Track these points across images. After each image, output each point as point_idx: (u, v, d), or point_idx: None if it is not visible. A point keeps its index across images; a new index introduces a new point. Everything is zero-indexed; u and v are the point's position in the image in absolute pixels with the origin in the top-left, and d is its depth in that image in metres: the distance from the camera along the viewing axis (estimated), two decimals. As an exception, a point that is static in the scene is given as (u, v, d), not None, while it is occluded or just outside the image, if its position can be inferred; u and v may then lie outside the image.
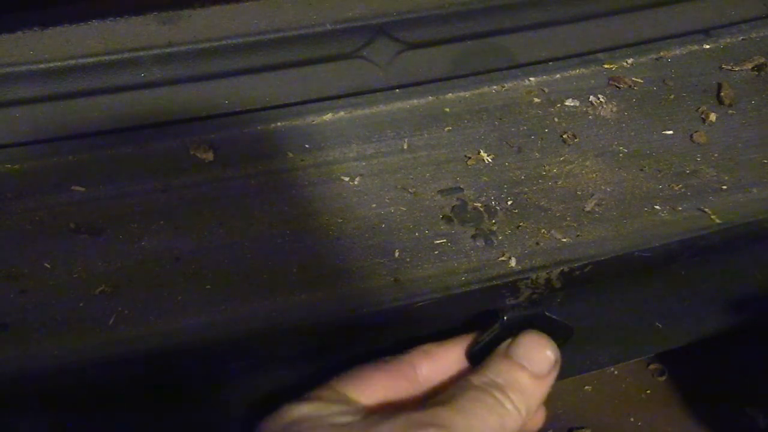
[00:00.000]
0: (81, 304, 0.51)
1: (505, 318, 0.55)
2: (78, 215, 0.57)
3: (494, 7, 0.67)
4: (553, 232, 0.57)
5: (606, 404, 1.12)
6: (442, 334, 0.56)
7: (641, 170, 0.62)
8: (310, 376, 0.55)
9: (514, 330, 0.54)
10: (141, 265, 0.54)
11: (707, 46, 0.74)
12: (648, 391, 1.13)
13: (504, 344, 0.53)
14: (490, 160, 0.62)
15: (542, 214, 0.58)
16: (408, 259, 0.55)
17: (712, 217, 0.58)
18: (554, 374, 0.53)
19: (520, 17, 0.68)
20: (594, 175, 0.61)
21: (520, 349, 0.52)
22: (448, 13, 0.66)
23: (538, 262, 0.55)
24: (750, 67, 0.72)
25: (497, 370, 0.51)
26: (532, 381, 0.51)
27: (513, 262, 0.55)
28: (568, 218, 0.58)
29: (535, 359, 0.52)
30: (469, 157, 0.62)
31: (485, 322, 0.57)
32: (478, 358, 0.54)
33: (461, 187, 0.60)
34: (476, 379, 0.50)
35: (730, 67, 0.72)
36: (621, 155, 0.63)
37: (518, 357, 0.52)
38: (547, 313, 0.56)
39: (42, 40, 0.60)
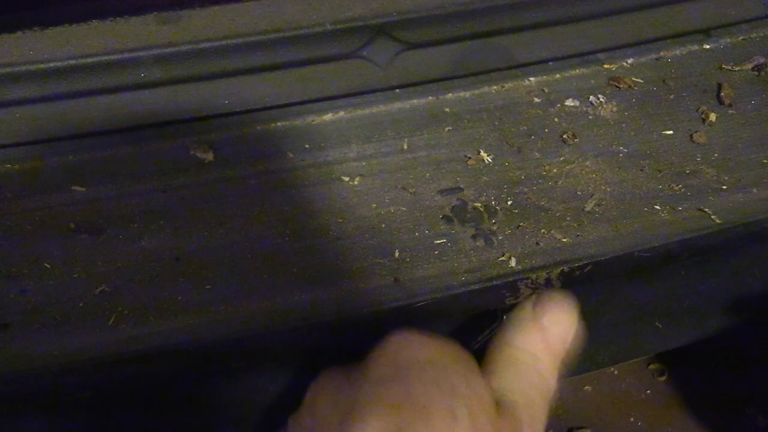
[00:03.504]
0: (81, 304, 0.51)
1: (505, 317, 0.55)
2: (78, 215, 0.57)
3: (494, 7, 0.67)
4: (553, 232, 0.57)
5: (606, 404, 1.12)
6: (441, 334, 0.56)
7: (641, 170, 0.62)
8: (310, 376, 0.54)
9: None
10: (141, 265, 0.54)
11: (707, 46, 0.74)
12: (648, 391, 1.13)
13: (529, 306, 0.53)
14: (490, 160, 0.62)
15: (542, 214, 0.58)
16: (408, 259, 0.55)
17: (712, 217, 0.58)
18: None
19: (520, 17, 0.68)
20: (594, 175, 0.61)
21: (547, 317, 0.53)
22: (448, 13, 0.66)
23: (538, 262, 0.55)
24: (750, 67, 0.72)
25: (534, 347, 0.52)
26: (562, 345, 0.53)
27: (513, 262, 0.55)
28: (568, 218, 0.58)
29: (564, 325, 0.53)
30: (469, 157, 0.62)
31: (485, 322, 0.57)
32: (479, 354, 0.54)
33: (461, 187, 0.60)
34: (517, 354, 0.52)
35: (730, 67, 0.72)
36: (621, 155, 0.63)
37: (551, 328, 0.52)
38: None
39: (42, 40, 0.60)
